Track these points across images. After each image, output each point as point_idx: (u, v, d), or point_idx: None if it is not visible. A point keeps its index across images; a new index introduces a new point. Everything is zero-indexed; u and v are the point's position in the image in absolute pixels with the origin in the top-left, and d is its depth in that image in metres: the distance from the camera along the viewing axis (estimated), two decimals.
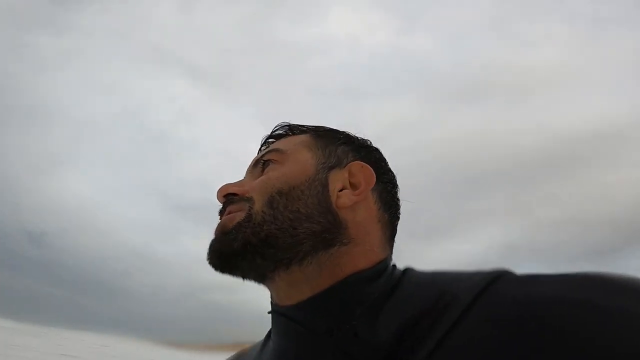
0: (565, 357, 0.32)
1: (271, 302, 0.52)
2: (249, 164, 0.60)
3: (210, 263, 0.50)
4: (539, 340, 0.34)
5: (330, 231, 0.48)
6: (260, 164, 0.56)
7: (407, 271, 0.49)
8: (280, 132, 0.61)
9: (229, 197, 0.53)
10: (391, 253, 0.53)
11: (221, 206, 0.54)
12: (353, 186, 0.53)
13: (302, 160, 0.53)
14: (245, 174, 0.59)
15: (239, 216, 0.49)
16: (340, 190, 0.52)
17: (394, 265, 0.51)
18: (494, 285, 0.40)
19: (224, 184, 0.55)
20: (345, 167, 0.54)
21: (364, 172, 0.53)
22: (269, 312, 0.52)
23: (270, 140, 0.62)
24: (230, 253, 0.48)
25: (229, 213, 0.52)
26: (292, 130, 0.60)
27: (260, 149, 0.63)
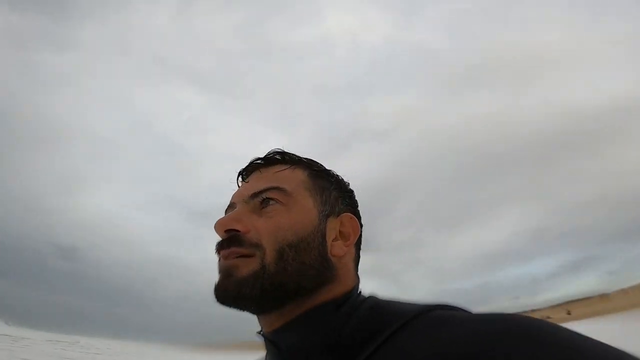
0: None
1: (260, 326, 0.59)
2: (242, 192, 0.60)
3: (219, 300, 0.55)
4: None
5: (324, 275, 0.56)
6: (259, 198, 0.58)
7: (369, 298, 0.56)
8: (271, 158, 0.62)
9: (230, 232, 0.56)
10: (359, 282, 0.61)
11: (220, 239, 0.57)
12: (342, 236, 0.60)
13: (307, 207, 0.58)
14: (237, 201, 0.60)
15: (253, 265, 0.54)
16: (334, 240, 0.59)
17: (360, 293, 0.59)
18: (424, 315, 0.48)
19: (221, 217, 0.58)
20: (338, 217, 0.61)
21: (352, 225, 0.61)
22: (257, 333, 0.60)
23: (257, 162, 0.62)
24: (248, 298, 0.54)
25: (234, 253, 0.55)
26: (283, 156, 0.62)
27: (247, 169, 0.63)
